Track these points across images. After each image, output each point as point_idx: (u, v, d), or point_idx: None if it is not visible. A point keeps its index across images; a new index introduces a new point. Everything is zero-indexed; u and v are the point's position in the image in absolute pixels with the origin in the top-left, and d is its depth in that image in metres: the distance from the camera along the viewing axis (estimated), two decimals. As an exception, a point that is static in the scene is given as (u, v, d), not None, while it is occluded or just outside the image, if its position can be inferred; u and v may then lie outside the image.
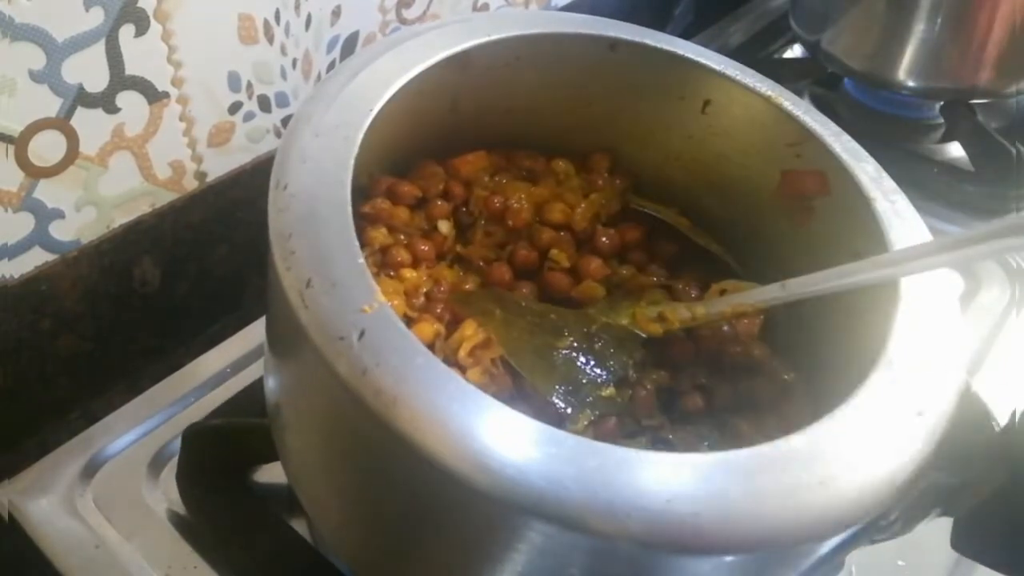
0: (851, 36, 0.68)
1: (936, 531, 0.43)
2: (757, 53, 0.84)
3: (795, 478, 0.26)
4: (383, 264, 0.37)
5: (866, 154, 0.38)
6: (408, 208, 0.40)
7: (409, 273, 0.37)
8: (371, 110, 0.33)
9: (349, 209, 0.30)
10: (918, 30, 0.63)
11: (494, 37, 0.38)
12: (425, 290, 0.37)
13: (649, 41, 0.41)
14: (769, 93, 0.40)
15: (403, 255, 0.38)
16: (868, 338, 0.31)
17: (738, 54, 0.83)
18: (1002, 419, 0.30)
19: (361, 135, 0.32)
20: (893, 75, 0.66)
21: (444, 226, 0.40)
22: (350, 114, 0.33)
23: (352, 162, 0.32)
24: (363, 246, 0.37)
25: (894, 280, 0.32)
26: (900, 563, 0.42)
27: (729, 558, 0.27)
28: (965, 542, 0.31)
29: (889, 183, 0.36)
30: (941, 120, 0.71)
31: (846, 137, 0.39)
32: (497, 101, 0.42)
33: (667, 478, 0.25)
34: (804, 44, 0.75)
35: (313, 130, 0.32)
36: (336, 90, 0.34)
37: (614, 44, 0.41)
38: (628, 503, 0.25)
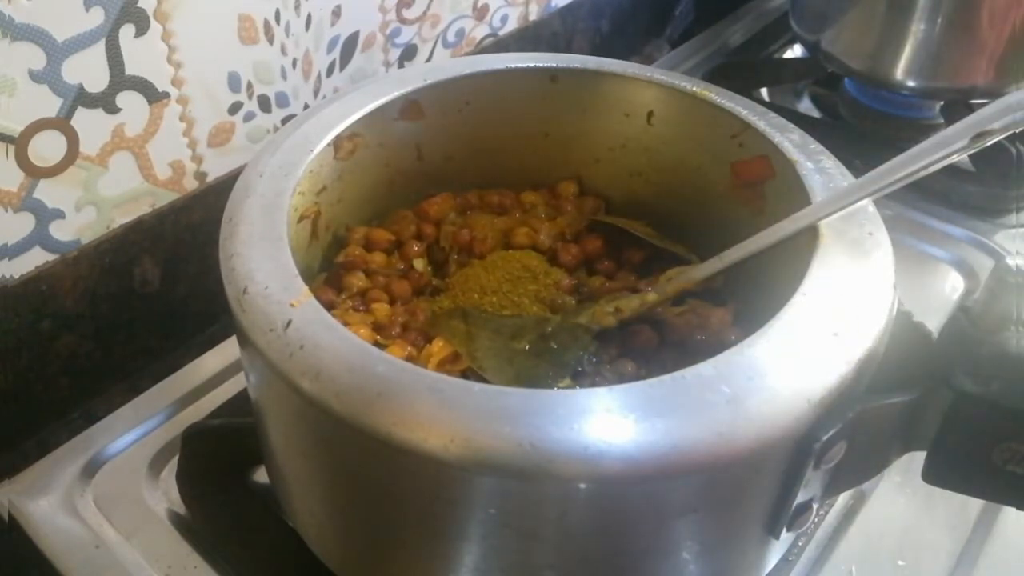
0: (851, 36, 0.68)
1: (936, 530, 0.43)
2: (757, 53, 0.84)
3: (701, 399, 0.27)
4: (361, 305, 0.40)
5: (790, 124, 0.40)
6: (384, 252, 0.43)
7: (379, 307, 0.40)
8: (311, 151, 0.37)
9: (285, 232, 0.33)
10: (918, 30, 0.63)
11: (430, 81, 0.42)
12: (402, 320, 0.40)
13: (583, 66, 0.44)
14: (694, 89, 0.42)
15: (381, 296, 0.41)
16: (792, 281, 0.32)
17: (738, 54, 0.83)
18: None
19: (300, 171, 0.36)
20: (893, 75, 0.66)
21: (419, 264, 0.44)
22: (292, 156, 0.37)
23: (290, 194, 0.35)
24: (340, 292, 0.40)
25: (813, 226, 0.34)
26: (900, 563, 0.42)
27: (669, 482, 0.27)
28: (934, 473, 0.31)
29: (815, 146, 0.38)
30: (941, 120, 0.71)
31: (772, 115, 0.40)
32: (460, 146, 0.45)
33: (579, 412, 0.26)
34: (804, 44, 0.75)
35: (259, 171, 0.36)
36: (283, 138, 0.38)
37: (554, 75, 0.44)
38: (550, 445, 0.26)
